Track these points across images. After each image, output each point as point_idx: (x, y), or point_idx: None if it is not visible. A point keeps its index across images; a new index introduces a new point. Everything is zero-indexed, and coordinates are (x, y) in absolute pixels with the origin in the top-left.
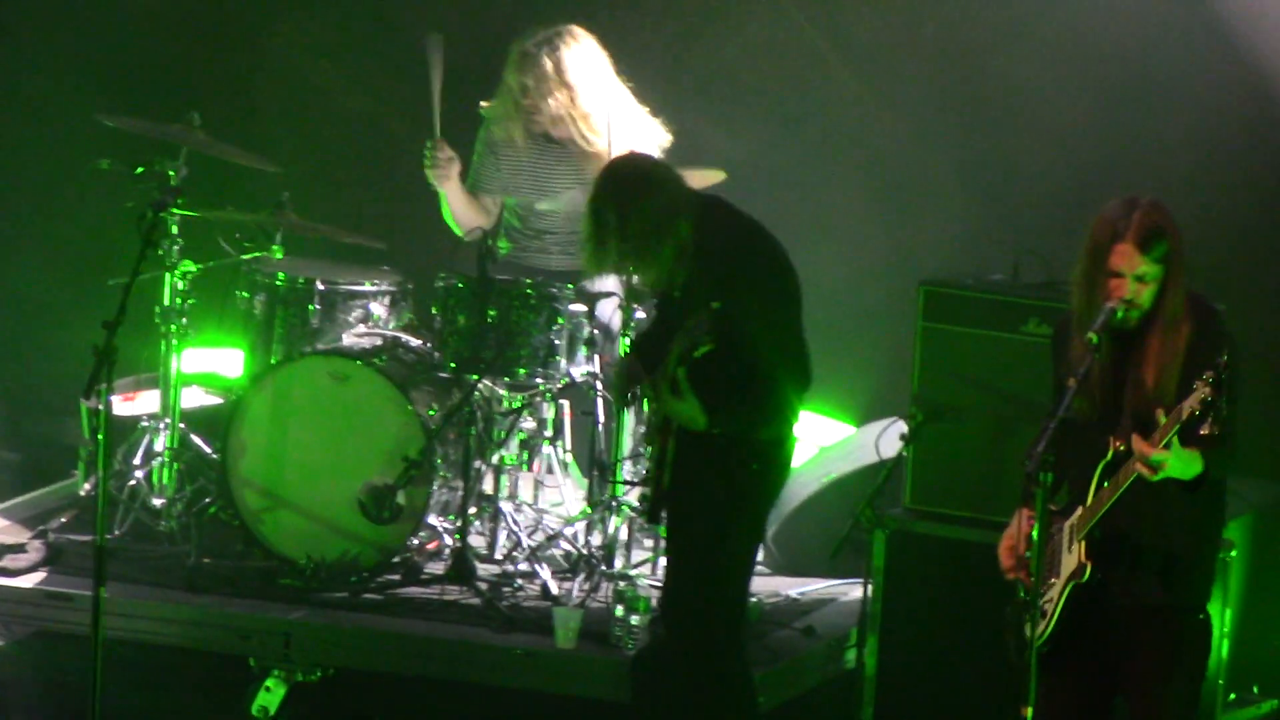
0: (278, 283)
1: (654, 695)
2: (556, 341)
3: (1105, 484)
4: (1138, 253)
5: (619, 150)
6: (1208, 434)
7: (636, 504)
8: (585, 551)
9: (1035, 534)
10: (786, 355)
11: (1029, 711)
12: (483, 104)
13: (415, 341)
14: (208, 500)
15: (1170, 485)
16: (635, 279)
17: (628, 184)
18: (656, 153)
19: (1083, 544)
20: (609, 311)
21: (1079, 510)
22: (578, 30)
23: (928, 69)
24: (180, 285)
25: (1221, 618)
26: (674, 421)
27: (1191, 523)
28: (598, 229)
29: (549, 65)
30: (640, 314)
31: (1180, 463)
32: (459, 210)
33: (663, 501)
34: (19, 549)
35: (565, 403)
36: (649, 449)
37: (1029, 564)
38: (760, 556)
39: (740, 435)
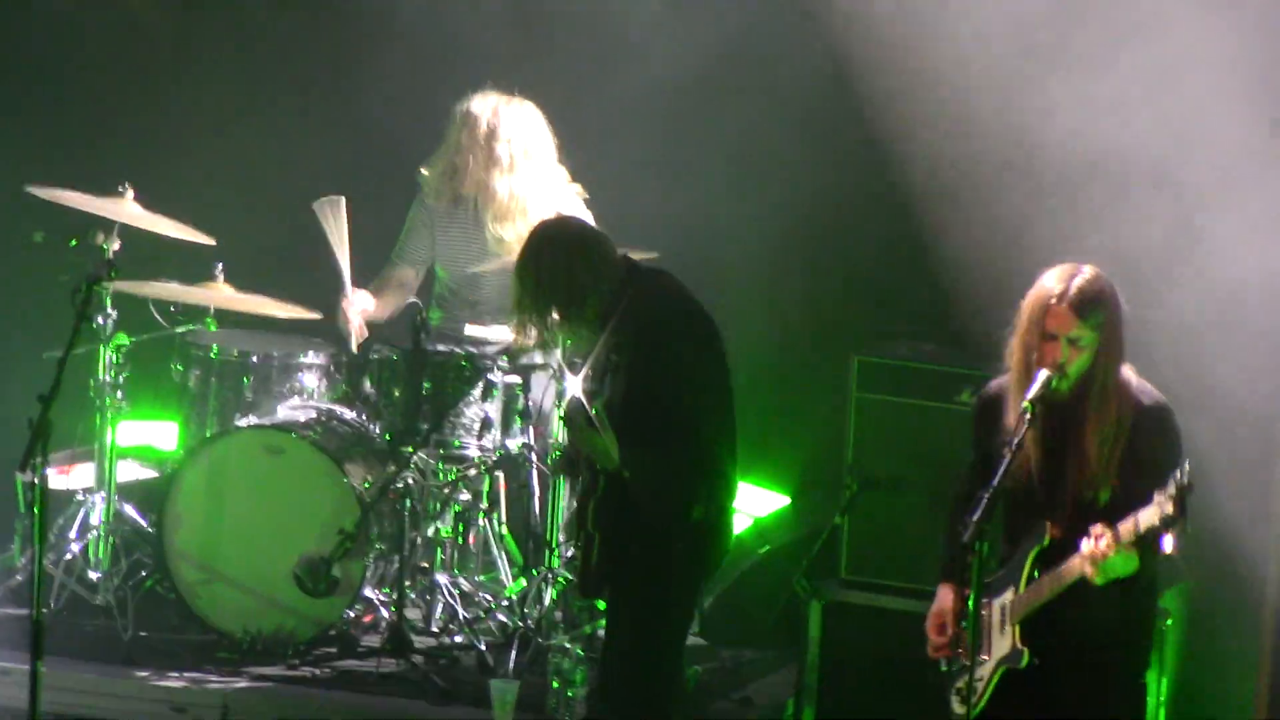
0: (212, 355)
1: None
2: (491, 413)
3: (1040, 570)
4: (1074, 316)
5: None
6: (1172, 550)
7: (571, 576)
8: (521, 623)
9: (971, 604)
10: (710, 433)
11: None
12: (421, 170)
13: (349, 413)
14: (144, 574)
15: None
16: (560, 341)
17: (555, 243)
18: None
19: (1017, 629)
20: (543, 385)
21: (1010, 590)
22: (528, 104)
23: (861, 137)
24: (115, 358)
25: (1158, 685)
26: (590, 463)
27: (1126, 599)
28: (524, 287)
29: (484, 128)
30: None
31: (1123, 564)
32: (380, 319)
33: (591, 575)
34: None
35: (500, 474)
36: (573, 522)
37: (956, 640)
38: (696, 628)
39: (669, 516)
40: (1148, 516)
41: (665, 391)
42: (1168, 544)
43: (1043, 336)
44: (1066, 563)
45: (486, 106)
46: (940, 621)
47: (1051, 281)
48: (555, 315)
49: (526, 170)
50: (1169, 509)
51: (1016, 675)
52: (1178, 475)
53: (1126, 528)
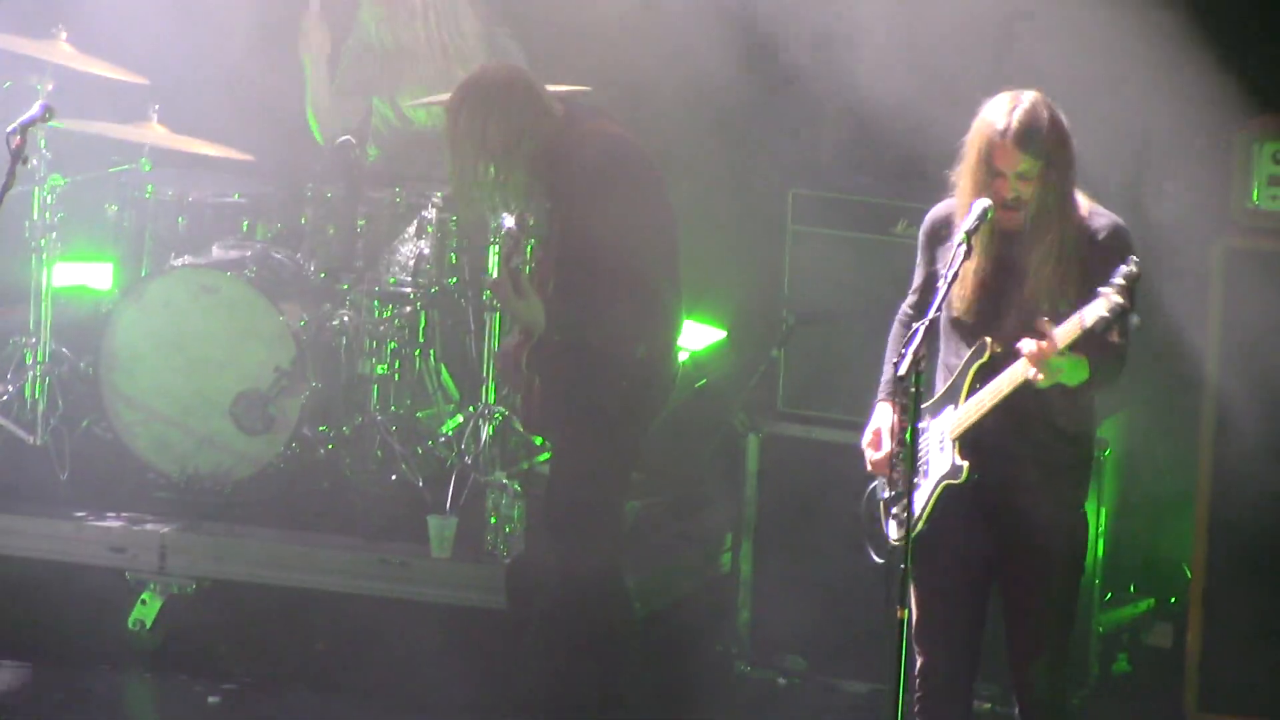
0: (146, 196)
1: (529, 602)
2: (426, 250)
3: (979, 384)
4: (1017, 150)
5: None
6: (1116, 341)
7: (510, 413)
8: (458, 459)
9: (908, 436)
10: (653, 272)
11: (905, 613)
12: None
13: (284, 252)
14: (80, 414)
15: (1054, 389)
16: (499, 193)
17: (482, 99)
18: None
19: (957, 445)
20: None
21: (949, 408)
22: None
23: None
24: (49, 199)
25: (1097, 517)
26: (518, 323)
27: (1064, 423)
28: (456, 147)
29: None
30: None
31: (1070, 369)
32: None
33: (534, 412)
34: None
35: (436, 311)
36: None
37: (893, 461)
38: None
39: (611, 350)
40: (1094, 310)
41: (606, 234)
42: (1114, 335)
43: (990, 173)
44: (1008, 370)
45: None
46: (877, 438)
47: (993, 115)
48: (490, 171)
49: (438, 21)
50: (1117, 300)
51: (955, 502)
52: (1126, 267)
53: (1070, 325)
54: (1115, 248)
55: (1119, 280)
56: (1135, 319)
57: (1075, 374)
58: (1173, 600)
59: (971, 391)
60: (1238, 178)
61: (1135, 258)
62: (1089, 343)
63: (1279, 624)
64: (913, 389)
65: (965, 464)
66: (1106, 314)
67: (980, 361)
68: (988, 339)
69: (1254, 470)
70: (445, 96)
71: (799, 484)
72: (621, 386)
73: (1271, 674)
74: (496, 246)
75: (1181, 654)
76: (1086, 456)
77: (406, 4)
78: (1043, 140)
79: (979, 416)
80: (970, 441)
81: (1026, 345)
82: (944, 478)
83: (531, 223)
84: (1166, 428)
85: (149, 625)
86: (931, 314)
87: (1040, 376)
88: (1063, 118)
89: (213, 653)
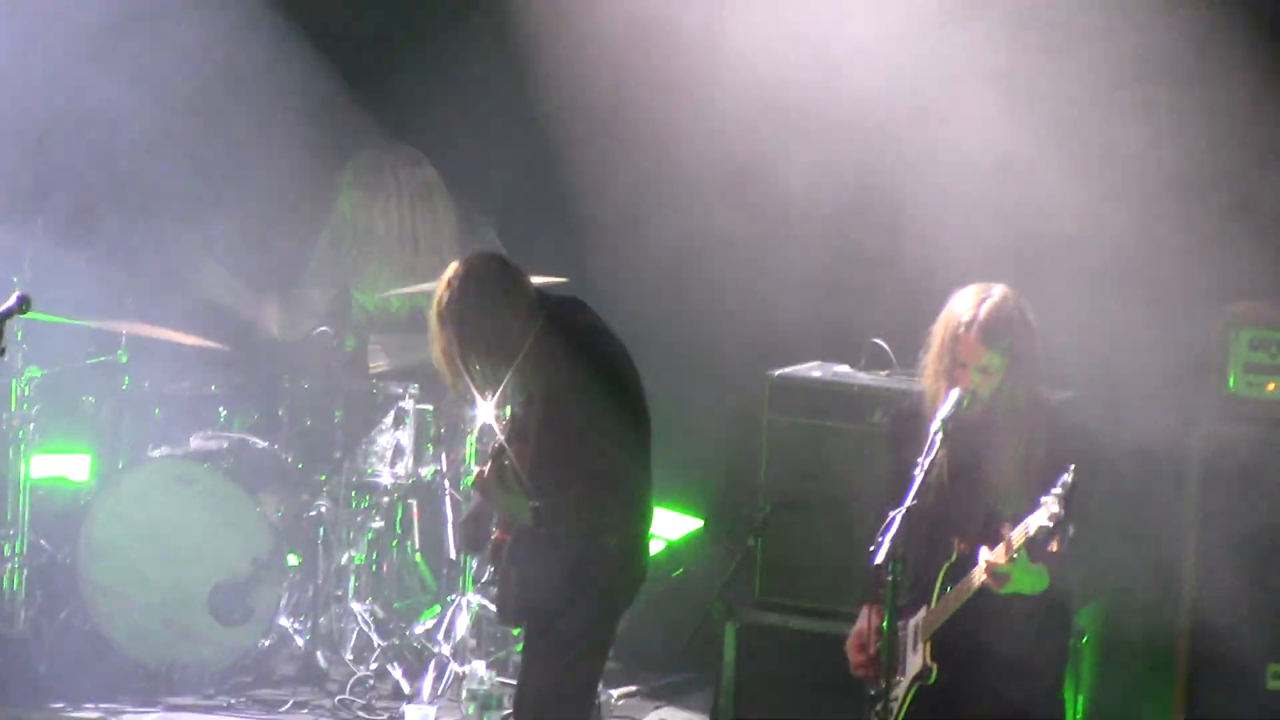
0: (123, 387)
1: None
2: (403, 441)
3: (949, 586)
4: (981, 345)
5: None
6: (1056, 551)
7: (487, 602)
8: (436, 649)
9: (885, 625)
10: (625, 463)
11: None
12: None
13: (262, 442)
14: (58, 605)
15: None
16: (479, 378)
17: (482, 282)
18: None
19: (927, 646)
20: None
21: (923, 610)
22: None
23: (786, 156)
24: (26, 391)
25: (1074, 704)
26: (504, 515)
27: (1038, 619)
28: (449, 334)
29: (408, 186)
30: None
31: (1028, 578)
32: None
33: (509, 604)
34: None
35: (413, 501)
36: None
37: (876, 662)
38: (611, 651)
39: (586, 542)
40: (1036, 519)
41: (582, 429)
42: (1054, 544)
43: (954, 363)
44: (969, 576)
45: (403, 164)
46: (860, 641)
47: (961, 306)
48: (479, 359)
49: (413, 206)
50: (1055, 509)
51: (934, 694)
52: (1064, 477)
53: (1016, 534)
54: (1075, 448)
55: (1058, 490)
56: (1071, 529)
57: (1035, 584)
58: None
59: (942, 592)
60: (1215, 364)
61: (1072, 467)
62: (1037, 551)
63: None
64: (890, 578)
65: (933, 667)
66: (1047, 523)
67: (950, 562)
68: (955, 540)
69: (1234, 654)
70: (426, 285)
71: (776, 673)
72: (593, 576)
73: None
74: (472, 438)
75: None
76: (1063, 645)
77: (383, 189)
78: (1008, 336)
79: (946, 618)
80: (941, 640)
81: (983, 556)
82: (916, 678)
83: (508, 416)
84: (1145, 612)
85: None
86: (908, 503)
87: (994, 585)
88: (1030, 314)
89: None
